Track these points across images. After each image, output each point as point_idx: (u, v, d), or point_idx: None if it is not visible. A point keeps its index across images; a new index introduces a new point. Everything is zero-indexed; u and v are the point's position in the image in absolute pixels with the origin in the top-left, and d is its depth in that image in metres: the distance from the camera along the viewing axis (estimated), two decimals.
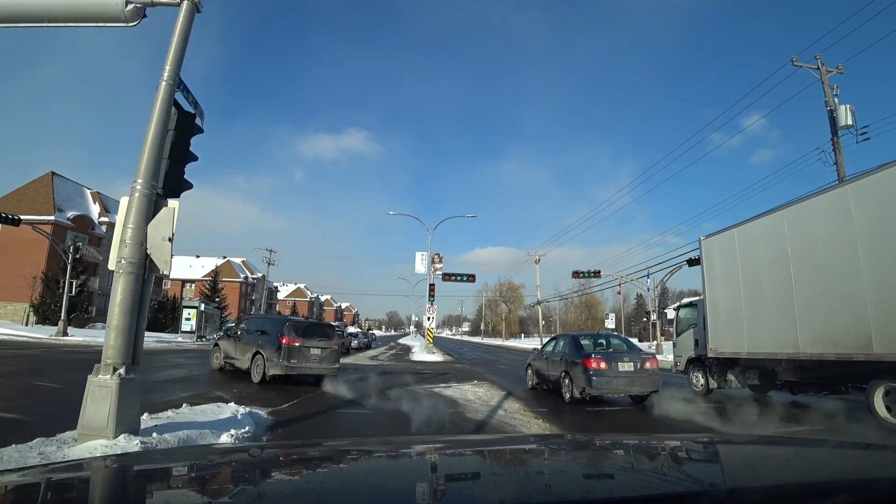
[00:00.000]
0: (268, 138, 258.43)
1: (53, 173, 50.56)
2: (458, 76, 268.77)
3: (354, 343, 37.52)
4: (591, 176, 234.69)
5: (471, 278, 28.95)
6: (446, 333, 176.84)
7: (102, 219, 52.12)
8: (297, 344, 12.99)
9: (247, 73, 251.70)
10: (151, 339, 31.26)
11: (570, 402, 10.83)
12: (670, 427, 8.69)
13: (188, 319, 37.27)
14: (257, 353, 13.27)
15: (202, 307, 37.56)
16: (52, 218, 45.50)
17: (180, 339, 36.21)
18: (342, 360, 15.92)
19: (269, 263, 66.67)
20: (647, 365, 10.85)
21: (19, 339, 25.50)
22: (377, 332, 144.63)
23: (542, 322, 58.45)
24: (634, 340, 21.26)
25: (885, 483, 1.21)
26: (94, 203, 53.71)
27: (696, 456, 1.87)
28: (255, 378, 13.00)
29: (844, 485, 1.21)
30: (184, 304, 38.81)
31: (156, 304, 51.01)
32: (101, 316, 48.18)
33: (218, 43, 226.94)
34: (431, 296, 29.29)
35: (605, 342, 12.23)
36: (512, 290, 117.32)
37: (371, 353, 35.53)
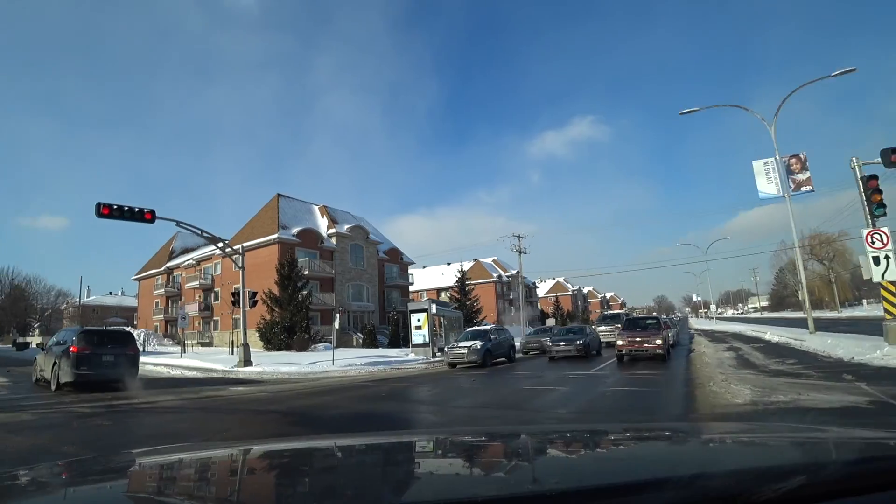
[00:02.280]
0: (499, 150, 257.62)
1: (279, 195, 47.28)
2: (669, 30, 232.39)
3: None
4: (880, 90, 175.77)
5: None
6: (730, 312, 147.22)
7: (331, 230, 46.94)
8: (87, 352, 13.28)
9: (466, 96, 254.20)
10: (364, 360, 21.27)
11: None
12: None
13: (418, 328, 26.94)
14: (55, 362, 13.81)
15: (433, 308, 26.87)
16: (275, 236, 41.19)
17: (411, 355, 25.86)
18: None
19: (519, 252, 55.30)
20: None
21: (169, 374, 17.27)
22: None
23: None
24: None
25: (835, 465, 1.28)
26: (322, 217, 49.24)
27: (660, 444, 1.93)
28: (53, 386, 13.70)
29: (797, 468, 1.26)
30: (409, 307, 28.61)
31: (398, 317, 43.15)
32: (343, 335, 42.39)
33: (434, 78, 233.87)
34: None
35: None
36: (828, 242, 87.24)
37: (702, 351, 20.14)
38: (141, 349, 41.39)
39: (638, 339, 17.60)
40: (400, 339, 39.84)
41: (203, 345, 46.48)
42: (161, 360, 25.79)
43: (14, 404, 10.81)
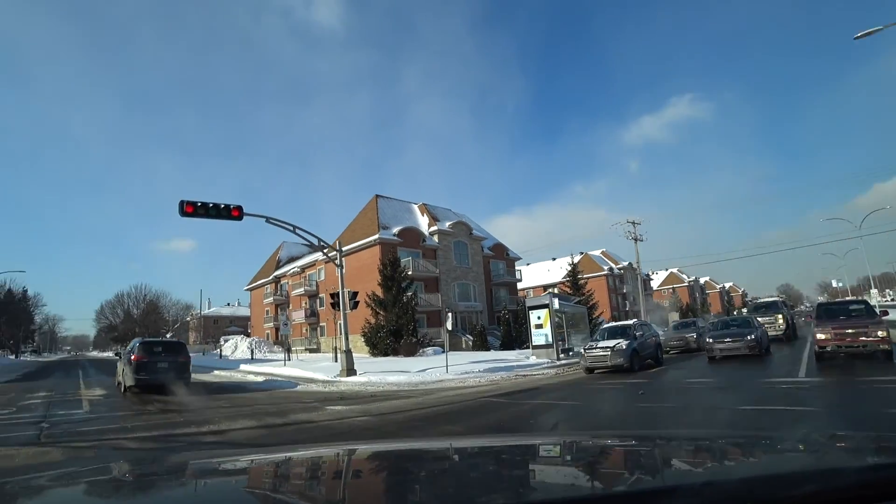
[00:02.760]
0: (593, 141, 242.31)
1: (378, 195, 45.76)
2: None
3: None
4: None
5: None
6: (877, 300, 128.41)
7: (432, 228, 44.65)
8: (144, 360, 14.79)
9: (554, 90, 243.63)
10: (482, 365, 18.22)
11: None
12: None
13: (539, 326, 23.48)
14: (123, 369, 15.74)
15: (555, 304, 23.29)
16: (376, 237, 39.44)
17: (532, 358, 22.50)
18: None
19: (635, 240, 50.19)
20: None
21: (257, 386, 14.80)
22: None
23: None
24: None
25: (849, 472, 1.23)
26: (423, 215, 47.13)
27: (670, 453, 1.87)
28: (122, 389, 15.63)
29: (810, 475, 1.23)
30: (527, 303, 25.18)
31: (508, 316, 39.90)
32: (452, 338, 39.71)
33: (519, 76, 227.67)
34: None
35: None
36: None
37: None
38: (250, 356, 41.45)
39: (850, 331, 13.13)
40: (513, 339, 36.60)
41: (311, 351, 45.89)
42: (264, 369, 24.33)
43: (70, 430, 8.85)
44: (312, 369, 20.96)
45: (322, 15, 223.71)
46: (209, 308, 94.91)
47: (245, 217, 16.30)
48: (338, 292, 18.49)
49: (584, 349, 16.66)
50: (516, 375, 16.80)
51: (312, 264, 49.85)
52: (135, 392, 14.82)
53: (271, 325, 56.73)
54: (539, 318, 23.55)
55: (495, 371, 18.00)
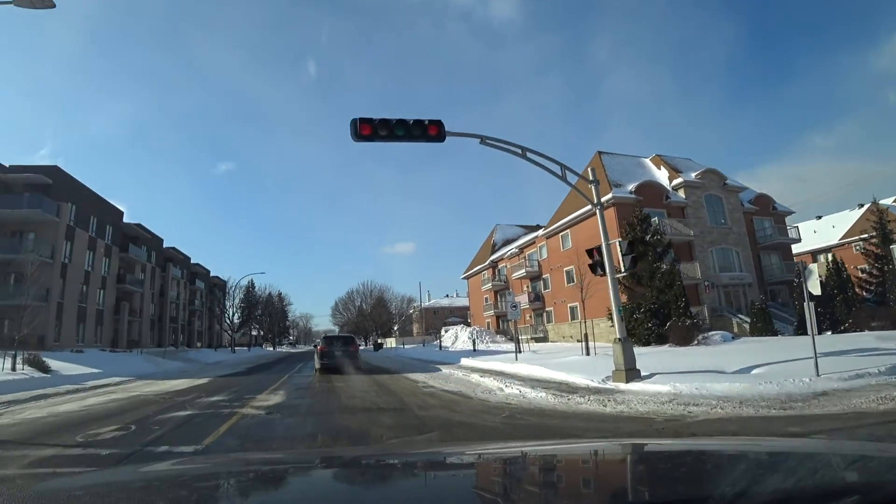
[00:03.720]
0: (831, 77, 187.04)
1: (600, 152, 38.14)
2: None
3: None
4: None
5: None
6: None
7: (675, 181, 35.54)
8: (326, 350, 19.62)
9: (771, 25, 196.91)
10: (866, 364, 10.02)
11: None
12: None
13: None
14: (314, 357, 20.77)
15: None
16: (609, 196, 31.80)
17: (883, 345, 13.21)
18: None
19: None
20: None
21: (503, 396, 8.79)
22: None
23: None
24: None
25: (891, 485, 1.17)
26: (659, 168, 38.31)
27: (700, 461, 1.79)
28: (313, 371, 19.81)
29: (849, 487, 1.17)
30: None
31: (799, 288, 28.87)
32: (717, 319, 30.26)
33: (726, 18, 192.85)
34: None
35: None
36: None
37: None
38: (472, 348, 37.03)
39: None
40: (812, 320, 25.86)
41: (536, 340, 40.01)
42: (491, 365, 18.66)
43: None
44: (560, 367, 14.52)
45: (500, 10, 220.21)
46: (429, 300, 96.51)
47: (448, 138, 10.67)
48: (598, 246, 11.77)
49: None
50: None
51: (531, 242, 44.16)
52: (322, 374, 18.22)
53: (491, 312, 52.63)
54: None
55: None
